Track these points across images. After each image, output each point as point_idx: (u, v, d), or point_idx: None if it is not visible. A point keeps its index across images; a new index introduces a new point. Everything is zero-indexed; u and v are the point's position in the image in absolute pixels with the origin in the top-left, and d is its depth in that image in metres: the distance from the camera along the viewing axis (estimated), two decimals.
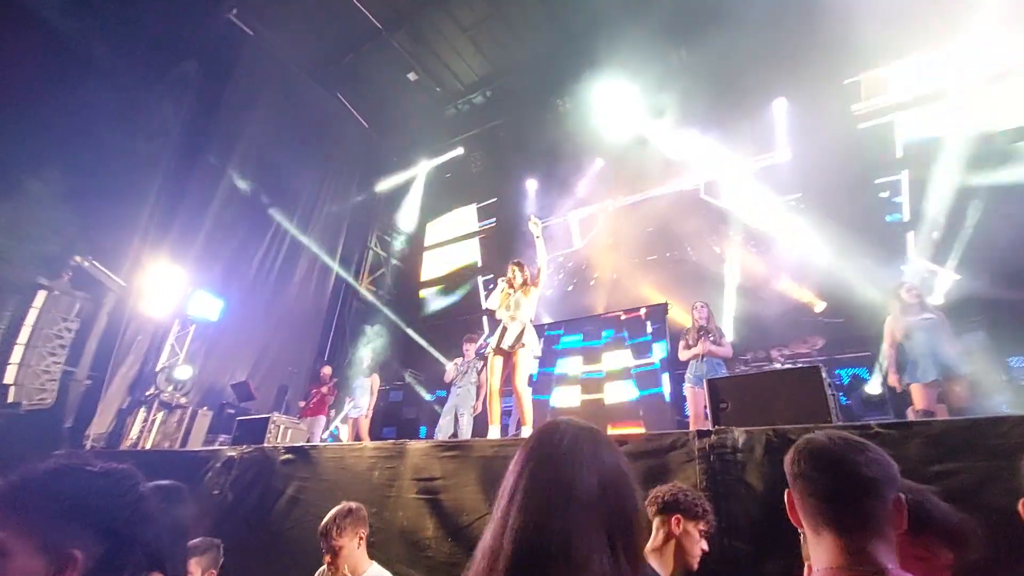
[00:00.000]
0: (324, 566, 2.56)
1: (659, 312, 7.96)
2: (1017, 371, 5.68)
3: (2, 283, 7.00)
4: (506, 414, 7.54)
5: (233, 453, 4.54)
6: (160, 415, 7.42)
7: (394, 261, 13.85)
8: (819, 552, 1.01)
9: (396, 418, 9.40)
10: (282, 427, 5.25)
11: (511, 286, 4.63)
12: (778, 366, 6.42)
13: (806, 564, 1.32)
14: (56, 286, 7.30)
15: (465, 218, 13.06)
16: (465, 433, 6.01)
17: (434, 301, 12.78)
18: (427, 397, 10.01)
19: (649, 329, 7.91)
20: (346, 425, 7.68)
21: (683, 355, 5.83)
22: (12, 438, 6.56)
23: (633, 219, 10.18)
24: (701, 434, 2.38)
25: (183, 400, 7.71)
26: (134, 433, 7.29)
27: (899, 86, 7.78)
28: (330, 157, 11.47)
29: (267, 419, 5.09)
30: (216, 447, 5.60)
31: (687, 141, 9.54)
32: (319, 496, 3.60)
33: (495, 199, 12.43)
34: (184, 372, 7.86)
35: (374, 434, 7.75)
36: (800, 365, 6.32)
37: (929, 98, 7.50)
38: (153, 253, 8.18)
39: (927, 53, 7.58)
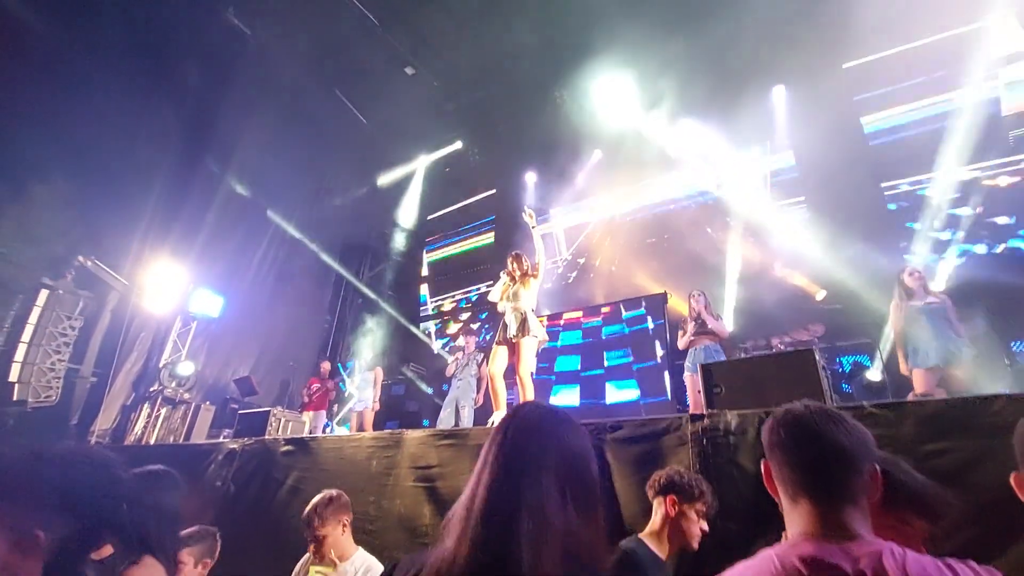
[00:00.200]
0: (309, 553, 2.57)
1: (658, 303, 7.92)
2: (1020, 356, 5.65)
3: (8, 284, 7.07)
4: (508, 404, 7.55)
5: (235, 446, 4.57)
6: (164, 411, 7.47)
7: (395, 256, 13.86)
8: (794, 520, 1.01)
9: (399, 412, 9.43)
10: (282, 420, 5.29)
11: (511, 278, 4.64)
12: None
13: (783, 534, 1.32)
14: (60, 285, 7.37)
15: (466, 212, 13.06)
16: (466, 425, 6.03)
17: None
18: (428, 391, 10.05)
19: (651, 325, 7.86)
20: (348, 420, 7.72)
21: (681, 343, 5.83)
22: (19, 436, 6.64)
23: (632, 210, 10.16)
24: (694, 418, 2.38)
25: (186, 396, 7.77)
26: (138, 428, 7.35)
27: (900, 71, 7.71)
28: (329, 154, 11.48)
29: (267, 412, 5.13)
30: (218, 440, 5.63)
31: (686, 130, 9.50)
32: (319, 486, 3.58)
33: (494, 191, 12.41)
34: (187, 368, 7.92)
35: (377, 427, 7.78)
36: None
37: (928, 84, 7.43)
38: (154, 252, 8.24)
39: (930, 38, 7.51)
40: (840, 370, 6.82)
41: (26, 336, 6.96)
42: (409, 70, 10.83)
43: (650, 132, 9.66)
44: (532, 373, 4.39)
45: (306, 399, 7.62)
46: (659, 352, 7.55)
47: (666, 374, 7.34)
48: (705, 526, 1.97)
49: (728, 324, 7.38)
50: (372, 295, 12.60)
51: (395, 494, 3.27)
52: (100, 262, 7.74)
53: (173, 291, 8.29)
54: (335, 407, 8.97)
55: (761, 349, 6.71)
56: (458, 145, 12.58)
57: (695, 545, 1.95)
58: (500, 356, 4.39)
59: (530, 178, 11.61)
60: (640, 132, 9.74)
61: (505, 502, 0.91)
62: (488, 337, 9.67)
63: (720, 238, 8.71)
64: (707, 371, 2.64)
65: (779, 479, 1.07)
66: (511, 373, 4.38)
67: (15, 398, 6.78)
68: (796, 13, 7.84)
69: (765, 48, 8.19)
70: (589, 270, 10.40)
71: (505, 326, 4.45)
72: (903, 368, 4.69)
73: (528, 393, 4.25)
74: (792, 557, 0.93)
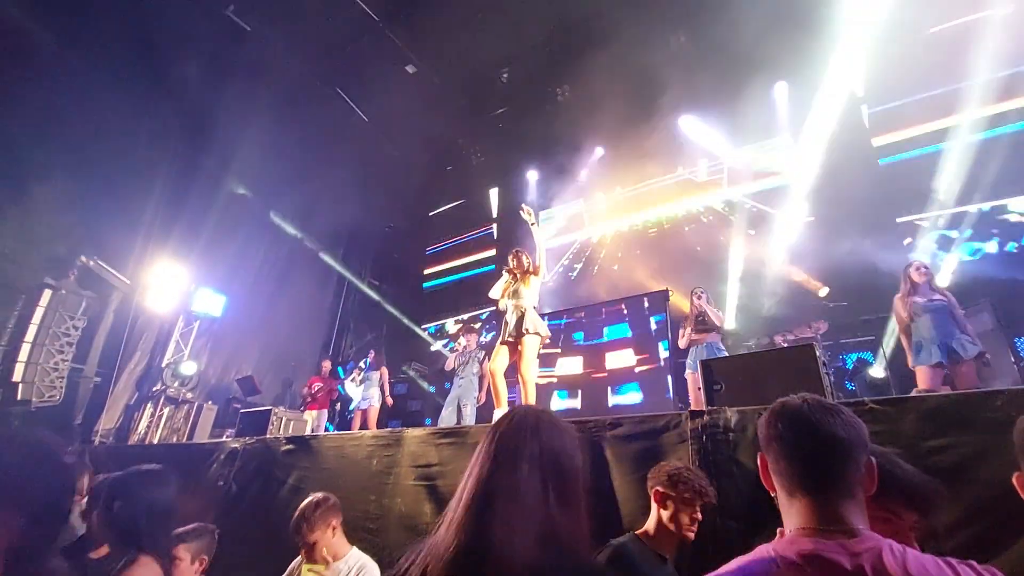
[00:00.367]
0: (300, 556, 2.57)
1: (660, 301, 7.89)
2: None
3: (11, 284, 7.10)
4: (510, 403, 7.52)
5: (236, 445, 4.57)
6: (167, 410, 7.50)
7: (397, 254, 13.87)
8: (791, 514, 1.00)
9: (401, 411, 9.43)
10: (284, 419, 5.29)
11: (512, 275, 4.62)
12: None
13: (778, 531, 1.31)
14: (63, 285, 7.39)
15: (469, 209, 13.05)
16: (468, 424, 6.01)
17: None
18: (430, 389, 10.05)
19: (653, 326, 7.76)
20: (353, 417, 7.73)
21: (682, 342, 5.81)
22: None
23: (634, 207, 10.14)
24: (694, 415, 2.37)
25: (189, 395, 7.80)
26: (142, 428, 7.38)
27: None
28: (330, 152, 11.46)
29: (269, 412, 5.13)
30: (220, 439, 5.65)
31: (688, 127, 9.48)
32: (320, 484, 3.60)
33: (497, 188, 12.40)
34: (189, 368, 7.94)
35: (380, 426, 7.79)
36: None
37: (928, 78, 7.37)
38: (157, 252, 8.27)
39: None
40: (844, 367, 6.79)
41: (29, 336, 6.98)
42: (410, 68, 10.81)
43: (652, 128, 9.63)
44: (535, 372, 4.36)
45: (308, 398, 7.63)
46: (662, 354, 7.47)
47: (668, 378, 7.30)
48: (698, 515, 1.94)
49: (731, 321, 7.37)
50: (374, 295, 12.61)
51: (396, 492, 3.27)
52: (103, 262, 7.76)
53: (175, 291, 8.32)
54: (337, 406, 8.99)
55: (765, 347, 6.67)
56: (459, 142, 12.57)
57: (691, 536, 1.92)
58: (502, 355, 4.36)
59: (532, 175, 11.59)
60: (642, 128, 9.70)
61: (486, 489, 1.03)
62: (491, 336, 9.66)
63: (722, 235, 8.69)
64: (707, 367, 2.62)
65: (776, 472, 1.06)
66: (513, 372, 4.36)
67: (19, 398, 6.80)
68: (796, 7, 7.81)
69: (766, 43, 8.12)
70: (591, 267, 10.38)
71: (507, 324, 4.43)
72: (911, 362, 4.65)
73: (530, 392, 4.23)
74: (791, 553, 0.91)
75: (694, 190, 9.50)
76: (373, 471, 3.48)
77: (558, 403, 8.09)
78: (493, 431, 1.13)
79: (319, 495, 2.66)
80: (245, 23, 9.40)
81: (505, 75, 11.25)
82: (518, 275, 4.58)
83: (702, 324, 5.55)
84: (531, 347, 4.27)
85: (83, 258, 7.60)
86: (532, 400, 4.21)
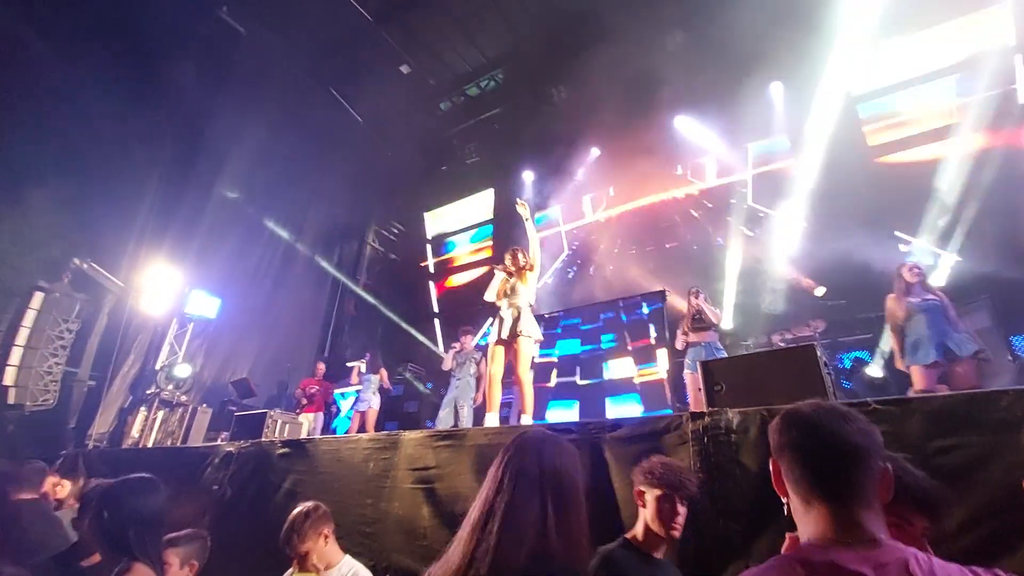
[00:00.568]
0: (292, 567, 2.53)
1: (658, 304, 7.82)
2: (1022, 351, 5.62)
3: (4, 287, 7.04)
4: (505, 405, 7.49)
5: (231, 448, 4.52)
6: (161, 413, 7.43)
7: (392, 255, 13.82)
8: (808, 523, 0.97)
9: (398, 413, 9.39)
10: (279, 422, 5.24)
11: (507, 273, 4.59)
12: None
13: (787, 536, 1.28)
14: (56, 288, 7.33)
15: (464, 210, 13.01)
16: (465, 425, 5.98)
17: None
18: (427, 391, 10.00)
19: (652, 334, 7.60)
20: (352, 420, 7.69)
21: (679, 343, 5.80)
22: (17, 440, 6.61)
23: (631, 206, 10.14)
24: (695, 416, 2.34)
25: (183, 398, 7.73)
26: (135, 432, 7.31)
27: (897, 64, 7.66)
28: (325, 153, 11.40)
29: (264, 414, 5.08)
30: (215, 443, 5.59)
31: (684, 127, 9.47)
32: (315, 488, 3.58)
33: (492, 189, 12.37)
34: (183, 370, 7.88)
35: (377, 429, 7.74)
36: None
37: (928, 77, 7.39)
38: (150, 254, 8.19)
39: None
40: (841, 366, 6.79)
41: (22, 339, 6.91)
42: (405, 68, 10.78)
43: (648, 128, 9.62)
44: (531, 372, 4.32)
45: (304, 400, 7.58)
46: (663, 364, 7.27)
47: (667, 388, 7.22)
48: (680, 510, 1.88)
49: (728, 321, 7.36)
50: (369, 296, 12.55)
51: (393, 496, 3.23)
52: (96, 264, 7.69)
53: (169, 293, 8.25)
54: (333, 408, 8.94)
55: (763, 346, 6.67)
56: (455, 143, 12.54)
57: (677, 533, 1.87)
58: (498, 356, 4.34)
59: (527, 176, 11.56)
60: (638, 128, 9.69)
61: (488, 511, 1.15)
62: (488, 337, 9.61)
63: (719, 234, 8.69)
64: (707, 368, 2.60)
65: (790, 480, 1.03)
66: (508, 373, 4.33)
67: (12, 402, 6.73)
68: (790, 7, 7.81)
69: (762, 44, 8.11)
70: (588, 268, 10.37)
71: (502, 321, 4.39)
72: (899, 363, 4.67)
73: (527, 393, 4.20)
74: (811, 563, 0.88)
75: (690, 189, 9.50)
76: (370, 475, 3.44)
77: (554, 413, 7.95)
78: (501, 455, 1.26)
79: (308, 504, 2.62)
80: (239, 24, 9.36)
81: (500, 75, 11.24)
82: (514, 273, 4.55)
83: (699, 323, 5.54)
84: (526, 349, 4.24)
85: (76, 260, 7.53)
86: (530, 402, 4.18)
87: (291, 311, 10.71)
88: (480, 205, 12.65)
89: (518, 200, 4.72)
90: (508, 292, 4.47)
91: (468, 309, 10.89)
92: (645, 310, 7.84)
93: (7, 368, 6.73)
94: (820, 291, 7.30)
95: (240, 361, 9.61)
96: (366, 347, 8.87)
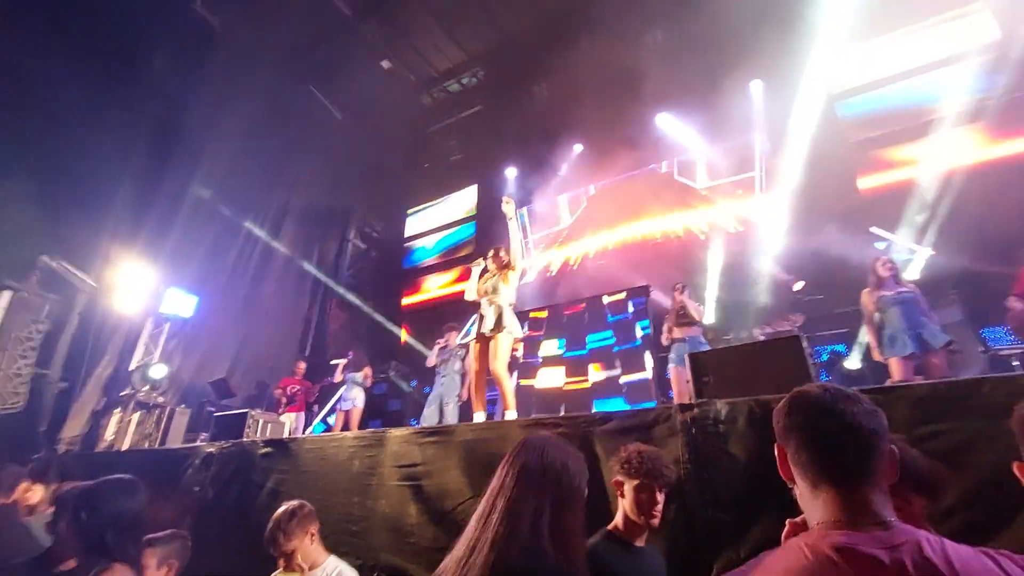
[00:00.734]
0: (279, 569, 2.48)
1: (643, 302, 7.88)
2: (992, 342, 5.79)
3: None
4: (492, 403, 7.46)
5: (212, 449, 4.43)
6: (136, 415, 7.24)
7: (374, 252, 13.69)
8: (816, 506, 0.96)
9: (382, 411, 9.31)
10: (261, 422, 5.15)
11: (489, 272, 4.56)
12: None
13: (788, 523, 1.29)
14: (25, 287, 7.09)
15: (447, 207, 12.94)
16: (451, 422, 5.94)
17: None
18: (409, 389, 9.93)
19: (638, 334, 7.62)
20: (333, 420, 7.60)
21: (664, 339, 5.85)
22: None
23: (613, 204, 10.19)
24: (684, 408, 2.35)
25: (160, 399, 7.54)
26: (109, 434, 7.11)
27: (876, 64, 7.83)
28: (304, 149, 11.21)
29: (245, 414, 4.98)
30: (194, 444, 5.48)
31: (666, 123, 9.55)
32: (299, 488, 3.52)
33: (475, 186, 12.32)
34: (159, 371, 7.68)
35: (361, 427, 7.66)
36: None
37: (905, 75, 7.56)
38: (124, 252, 7.97)
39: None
40: (819, 359, 6.92)
41: None
42: (385, 64, 10.66)
43: (630, 125, 9.68)
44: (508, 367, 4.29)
45: (284, 400, 7.47)
46: (649, 365, 7.35)
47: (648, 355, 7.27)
48: (659, 498, 1.87)
49: (709, 316, 7.45)
50: (351, 296, 12.41)
51: (379, 494, 3.19)
52: (67, 263, 7.46)
53: (144, 291, 8.05)
54: (315, 408, 8.82)
55: (744, 340, 6.76)
56: (436, 140, 12.46)
57: (655, 522, 1.86)
58: (479, 354, 4.33)
59: (510, 173, 11.54)
60: (620, 125, 9.74)
61: (489, 511, 1.25)
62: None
63: (700, 230, 8.78)
64: (696, 360, 2.62)
65: (797, 464, 1.02)
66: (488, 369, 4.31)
67: None
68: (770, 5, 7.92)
69: (742, 42, 8.21)
70: (571, 264, 10.40)
71: (482, 319, 4.37)
72: (875, 355, 4.79)
73: (507, 388, 4.16)
74: (823, 547, 0.87)
75: (672, 186, 9.58)
76: (355, 473, 3.39)
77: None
78: (509, 454, 1.36)
79: (294, 503, 2.58)
80: (214, 18, 9.15)
81: (482, 72, 11.20)
82: (493, 271, 4.52)
83: (684, 318, 5.59)
84: (504, 344, 4.22)
85: (46, 258, 7.29)
86: (510, 397, 4.15)
87: (271, 309, 10.52)
88: (463, 202, 12.60)
89: (504, 198, 4.67)
90: (489, 291, 4.44)
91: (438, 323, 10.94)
92: (630, 309, 7.88)
93: None
94: (798, 286, 7.43)
95: (218, 361, 9.41)
96: (348, 345, 8.77)
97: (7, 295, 6.88)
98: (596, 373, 7.77)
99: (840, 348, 6.85)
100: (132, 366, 7.77)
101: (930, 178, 6.85)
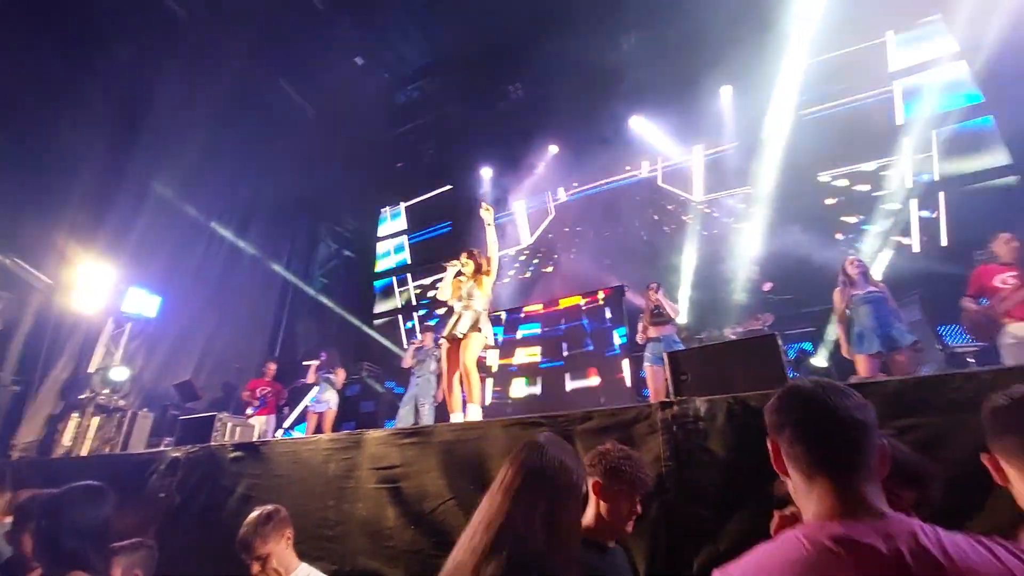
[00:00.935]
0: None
1: (616, 298, 7.97)
2: (949, 340, 6.04)
3: None
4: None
5: (177, 454, 4.28)
6: (96, 419, 6.95)
7: (346, 252, 13.47)
8: (812, 500, 0.98)
9: (355, 412, 9.16)
10: (229, 425, 5.00)
11: (464, 275, 4.51)
12: None
13: (776, 515, 1.31)
14: None
15: (420, 207, 12.83)
16: (426, 423, 5.88)
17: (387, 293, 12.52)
18: (383, 390, 9.81)
19: (617, 341, 7.68)
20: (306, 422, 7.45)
21: (640, 337, 5.92)
22: None
23: (587, 205, 10.27)
24: (663, 405, 2.37)
25: (121, 403, 7.26)
26: (67, 440, 6.81)
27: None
28: (274, 147, 10.92)
29: (212, 418, 4.83)
30: (159, 449, 5.28)
31: (639, 126, 9.67)
32: (272, 492, 3.42)
33: (450, 187, 12.24)
34: (121, 373, 7.39)
35: (335, 430, 7.52)
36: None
37: (873, 84, 7.83)
38: (82, 249, 7.63)
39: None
40: (786, 357, 7.10)
41: None
42: (359, 60, 10.51)
43: (604, 126, 9.77)
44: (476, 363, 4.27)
45: (254, 402, 7.28)
46: (626, 371, 7.41)
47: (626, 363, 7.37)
48: (638, 508, 1.83)
49: (682, 316, 7.58)
50: (322, 296, 12.18)
51: (356, 497, 3.13)
52: (20, 260, 7.12)
53: (104, 291, 7.71)
54: (285, 410, 8.62)
55: (717, 339, 6.89)
56: (410, 139, 12.33)
57: (629, 529, 1.83)
58: (452, 356, 4.29)
59: (485, 173, 11.51)
60: (595, 126, 9.83)
61: (485, 512, 1.32)
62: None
63: (673, 232, 8.93)
64: (674, 359, 2.65)
65: (791, 457, 1.03)
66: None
67: None
68: (740, 15, 8.09)
69: (715, 48, 8.36)
70: (546, 265, 10.43)
71: (458, 321, 4.32)
72: (844, 351, 4.95)
73: (474, 382, 4.11)
74: (821, 537, 0.88)
75: (645, 188, 9.71)
76: (331, 476, 3.32)
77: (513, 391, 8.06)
78: (511, 455, 1.44)
79: (268, 508, 2.51)
80: (181, 9, 8.86)
81: (456, 71, 11.14)
82: (469, 275, 4.48)
83: (658, 317, 5.66)
84: (476, 342, 4.21)
85: None
86: (476, 391, 4.09)
87: (238, 309, 10.23)
88: (437, 202, 12.50)
89: (483, 204, 4.62)
90: (464, 297, 4.39)
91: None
92: (608, 315, 7.95)
93: None
94: (767, 286, 7.61)
95: (183, 363, 9.10)
96: (320, 346, 8.61)
97: None
98: (572, 382, 7.83)
99: (807, 346, 7.05)
100: (92, 368, 7.45)
101: (895, 185, 7.14)
